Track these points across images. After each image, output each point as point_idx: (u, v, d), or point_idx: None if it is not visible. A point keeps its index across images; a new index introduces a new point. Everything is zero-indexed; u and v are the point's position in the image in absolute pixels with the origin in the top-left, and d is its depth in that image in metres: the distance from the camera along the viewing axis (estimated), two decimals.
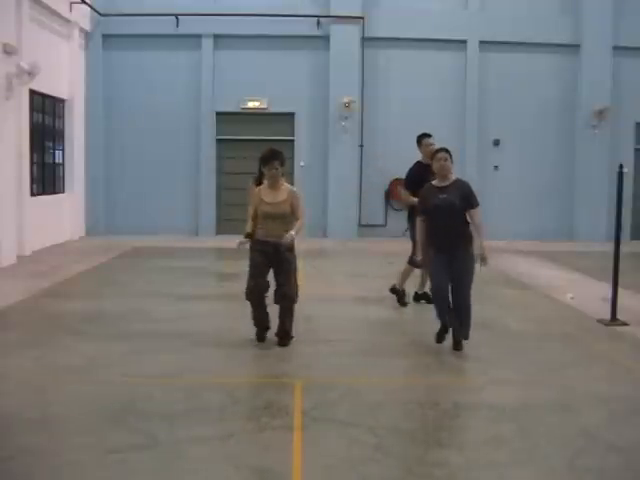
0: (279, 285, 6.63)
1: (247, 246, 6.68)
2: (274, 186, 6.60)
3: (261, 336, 6.80)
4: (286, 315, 6.71)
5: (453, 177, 6.67)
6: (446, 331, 6.72)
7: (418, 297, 8.86)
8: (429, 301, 8.30)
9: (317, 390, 5.45)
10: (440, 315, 6.68)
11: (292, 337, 6.77)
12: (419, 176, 7.89)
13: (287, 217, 6.55)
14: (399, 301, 8.77)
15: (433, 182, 6.72)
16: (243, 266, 7.03)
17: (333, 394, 5.36)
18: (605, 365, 6.42)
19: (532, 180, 17.06)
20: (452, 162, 6.69)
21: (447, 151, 6.67)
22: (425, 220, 6.70)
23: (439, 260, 6.55)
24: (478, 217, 6.67)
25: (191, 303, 8.86)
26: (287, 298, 6.64)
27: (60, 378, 5.71)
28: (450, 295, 6.58)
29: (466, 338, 6.64)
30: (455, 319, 6.60)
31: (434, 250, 6.61)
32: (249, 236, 6.65)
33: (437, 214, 6.52)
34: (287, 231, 6.42)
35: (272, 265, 6.62)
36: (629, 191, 15.00)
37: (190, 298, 9.15)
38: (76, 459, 4.15)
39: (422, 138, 8.56)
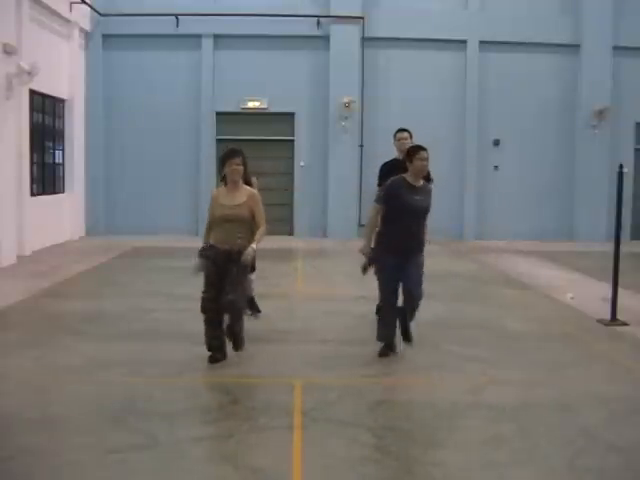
0: (225, 293, 5.91)
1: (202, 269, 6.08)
2: (233, 187, 6.09)
3: (213, 357, 6.09)
4: (234, 320, 6.09)
5: (422, 181, 6.27)
6: (391, 348, 6.36)
7: None
8: None
9: (317, 390, 5.45)
10: (385, 327, 6.29)
11: (243, 339, 6.21)
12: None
13: (244, 222, 5.99)
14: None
15: (407, 178, 6.16)
16: None
17: (333, 394, 5.36)
18: (605, 365, 6.42)
19: (532, 180, 17.06)
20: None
21: (425, 150, 6.23)
22: (384, 214, 6.14)
23: (393, 266, 6.11)
24: None
25: (191, 303, 8.83)
26: (232, 307, 5.95)
27: (60, 378, 5.71)
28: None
29: (410, 320, 6.34)
30: (400, 321, 6.34)
31: (388, 252, 6.11)
32: (204, 252, 6.07)
33: (408, 215, 6.04)
34: (241, 238, 5.93)
35: (223, 272, 5.94)
36: (629, 191, 15.01)
37: (190, 298, 9.11)
38: (76, 459, 4.15)
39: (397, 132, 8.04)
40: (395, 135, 8.00)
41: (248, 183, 7.16)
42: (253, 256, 6.01)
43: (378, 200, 6.22)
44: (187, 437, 4.47)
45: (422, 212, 6.15)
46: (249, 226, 6.03)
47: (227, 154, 6.14)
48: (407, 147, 6.93)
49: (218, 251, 5.98)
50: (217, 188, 6.34)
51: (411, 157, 6.14)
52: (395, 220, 6.07)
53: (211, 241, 6.09)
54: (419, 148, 6.22)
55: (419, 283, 6.20)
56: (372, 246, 6.26)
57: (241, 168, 6.08)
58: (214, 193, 6.31)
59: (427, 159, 6.14)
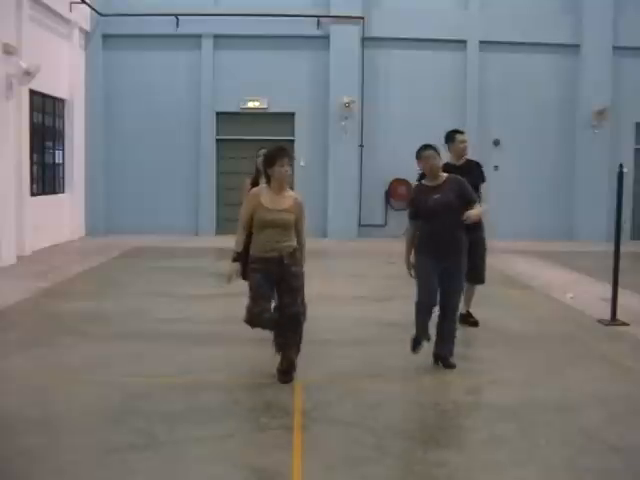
0: (285, 306, 5.56)
1: (237, 275, 5.71)
2: (279, 190, 5.59)
3: (289, 371, 5.65)
4: (294, 342, 5.64)
5: (444, 175, 6.13)
6: (420, 342, 6.09)
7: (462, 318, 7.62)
8: (471, 323, 7.65)
9: (317, 390, 5.45)
10: (420, 328, 6.06)
11: (295, 370, 5.71)
12: None
13: (289, 228, 5.58)
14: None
15: (424, 182, 6.17)
16: None
17: (333, 394, 5.37)
18: (605, 365, 6.41)
19: (532, 180, 17.06)
20: (440, 158, 6.15)
21: (434, 148, 6.12)
22: (414, 225, 6.14)
23: (430, 266, 5.97)
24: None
25: (191, 303, 8.86)
26: (295, 320, 5.58)
27: (60, 378, 5.70)
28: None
29: (451, 355, 6.16)
30: (437, 334, 6.16)
31: (424, 256, 6.00)
32: (239, 259, 5.65)
33: (431, 216, 5.97)
34: (289, 243, 5.57)
35: (276, 283, 5.57)
36: (629, 191, 15.01)
37: (190, 298, 9.15)
38: (76, 459, 4.15)
39: (454, 134, 7.65)
40: (453, 137, 7.61)
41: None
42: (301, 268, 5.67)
43: (409, 217, 6.21)
44: (187, 437, 4.47)
45: (444, 208, 5.92)
46: (292, 233, 5.62)
47: (277, 153, 5.57)
48: (466, 151, 7.40)
49: (268, 260, 5.49)
50: (249, 184, 5.94)
51: (418, 159, 6.08)
52: (423, 224, 6.05)
53: (254, 249, 5.57)
54: (424, 147, 6.10)
55: (456, 293, 6.10)
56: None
57: (290, 170, 5.62)
58: (252, 192, 5.74)
59: (435, 157, 6.01)
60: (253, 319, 5.54)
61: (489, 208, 7.25)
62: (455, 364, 6.10)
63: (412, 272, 6.13)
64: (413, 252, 6.14)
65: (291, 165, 5.66)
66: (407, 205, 6.44)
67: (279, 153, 5.55)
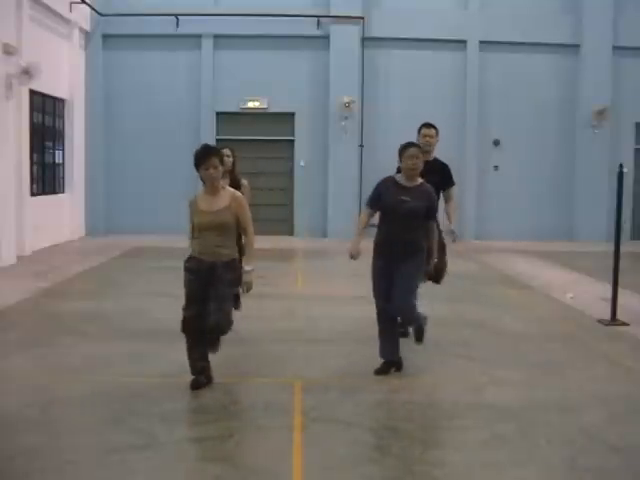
0: (210, 312, 5.21)
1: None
2: (212, 190, 5.31)
3: (197, 382, 5.37)
4: (211, 344, 5.38)
5: (419, 180, 5.83)
6: (391, 365, 5.90)
7: None
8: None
9: (317, 390, 5.45)
10: (382, 339, 5.88)
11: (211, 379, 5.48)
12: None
13: (228, 229, 5.28)
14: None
15: (396, 178, 5.85)
16: None
17: (333, 394, 5.37)
18: (605, 365, 6.41)
19: (532, 180, 17.06)
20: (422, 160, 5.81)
21: (420, 148, 5.88)
22: (369, 213, 5.89)
23: (382, 271, 5.73)
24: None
25: None
26: (217, 329, 5.25)
27: (60, 378, 5.71)
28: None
29: (420, 336, 6.01)
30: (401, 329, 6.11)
31: (377, 255, 5.76)
32: (186, 263, 5.42)
33: (393, 217, 5.67)
34: (226, 248, 5.28)
35: (206, 288, 5.25)
36: (629, 191, 15.01)
37: None
38: (76, 459, 4.15)
39: (421, 127, 7.29)
40: (420, 130, 7.19)
41: (237, 183, 6.70)
42: (251, 281, 5.37)
43: (368, 203, 5.94)
44: (187, 437, 4.48)
45: (409, 214, 5.63)
46: (233, 233, 5.35)
47: (201, 155, 5.26)
48: (432, 147, 6.87)
49: (201, 264, 5.28)
50: (195, 195, 5.53)
51: (400, 156, 5.80)
52: (382, 222, 5.80)
53: (192, 248, 5.40)
54: (410, 145, 5.83)
55: (405, 292, 5.67)
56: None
57: (219, 170, 5.29)
58: (192, 199, 5.47)
59: (419, 157, 5.72)
60: (183, 323, 5.32)
61: (455, 229, 6.95)
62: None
63: (353, 255, 5.81)
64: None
65: (221, 163, 5.32)
66: (372, 192, 5.97)
67: (203, 155, 5.25)
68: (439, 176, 6.76)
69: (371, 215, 5.93)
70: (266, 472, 4.02)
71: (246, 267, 5.36)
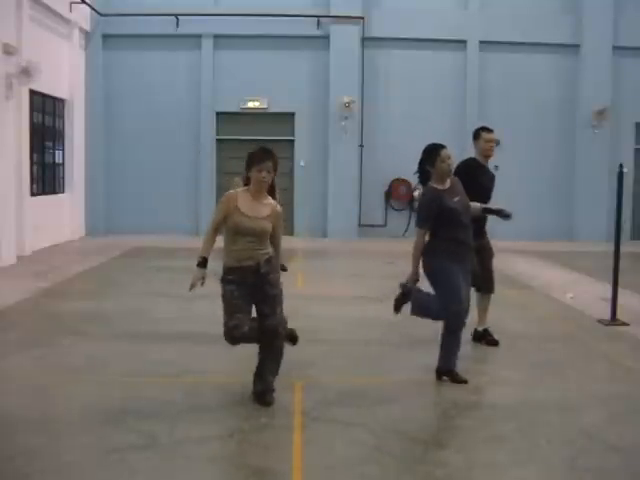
0: (262, 317, 5.08)
1: (202, 283, 5.12)
2: (258, 195, 5.11)
3: (267, 396, 5.16)
4: (272, 361, 5.18)
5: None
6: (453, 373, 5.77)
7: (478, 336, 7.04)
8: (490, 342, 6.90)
9: (317, 390, 5.45)
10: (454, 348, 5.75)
11: (274, 390, 5.20)
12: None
13: (266, 237, 5.12)
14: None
15: (434, 185, 5.69)
16: None
17: (333, 394, 5.37)
18: (605, 365, 6.42)
19: (532, 180, 17.06)
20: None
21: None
22: (426, 231, 5.69)
23: (458, 272, 5.60)
24: None
25: (191, 303, 8.83)
26: (273, 333, 5.07)
27: (60, 378, 5.70)
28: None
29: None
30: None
31: (449, 262, 5.60)
32: (204, 263, 5.12)
33: (455, 220, 5.60)
34: (265, 252, 5.11)
35: (252, 293, 5.07)
36: (629, 191, 15.01)
37: (190, 298, 9.08)
38: (76, 459, 4.15)
39: (479, 131, 7.16)
40: (479, 135, 7.09)
41: (273, 189, 6.06)
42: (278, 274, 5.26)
43: (423, 222, 5.67)
44: (187, 437, 4.47)
45: (466, 210, 5.71)
46: (268, 240, 5.18)
47: (258, 156, 5.09)
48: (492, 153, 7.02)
49: (245, 272, 5.04)
50: (235, 191, 5.27)
51: (433, 159, 5.64)
52: (446, 229, 5.63)
53: (228, 258, 5.10)
54: (441, 147, 5.71)
55: (469, 292, 5.84)
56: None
57: (272, 176, 5.09)
58: (231, 196, 5.17)
59: (450, 157, 5.66)
60: (232, 334, 5.00)
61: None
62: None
63: (410, 284, 5.78)
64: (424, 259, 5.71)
65: (275, 170, 5.11)
66: (419, 210, 5.83)
67: (259, 156, 5.09)
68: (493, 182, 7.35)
69: (425, 235, 5.72)
70: (266, 472, 4.03)
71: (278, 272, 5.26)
